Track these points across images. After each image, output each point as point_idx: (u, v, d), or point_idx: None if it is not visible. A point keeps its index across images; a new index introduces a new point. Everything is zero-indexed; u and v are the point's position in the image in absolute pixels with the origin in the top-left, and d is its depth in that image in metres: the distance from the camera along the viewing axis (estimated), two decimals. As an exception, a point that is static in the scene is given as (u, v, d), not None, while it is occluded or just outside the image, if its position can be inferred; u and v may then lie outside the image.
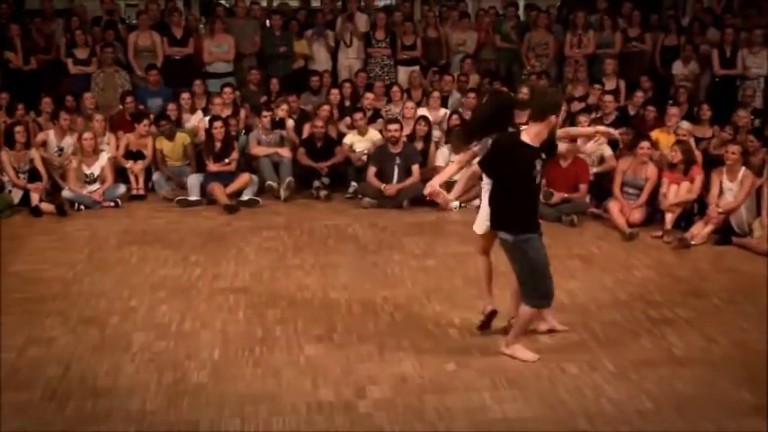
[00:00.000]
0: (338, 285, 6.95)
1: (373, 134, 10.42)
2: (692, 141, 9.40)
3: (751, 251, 7.95)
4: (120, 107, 10.98)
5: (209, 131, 10.07)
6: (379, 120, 10.82)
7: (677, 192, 8.63)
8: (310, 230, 8.64)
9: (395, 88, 11.41)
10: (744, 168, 8.46)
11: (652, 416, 4.73)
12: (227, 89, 11.00)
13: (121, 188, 9.84)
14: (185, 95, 10.90)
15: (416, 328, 6.00)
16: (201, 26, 12.99)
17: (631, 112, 10.72)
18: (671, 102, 10.69)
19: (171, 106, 10.68)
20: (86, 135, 9.66)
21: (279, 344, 5.71)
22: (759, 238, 8.03)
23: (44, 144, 10.09)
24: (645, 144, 8.98)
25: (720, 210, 8.31)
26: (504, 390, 5.05)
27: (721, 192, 8.45)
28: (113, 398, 4.93)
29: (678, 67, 11.63)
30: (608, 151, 9.58)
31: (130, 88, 11.36)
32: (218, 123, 9.94)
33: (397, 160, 9.71)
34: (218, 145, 9.92)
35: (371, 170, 9.74)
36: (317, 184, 10.09)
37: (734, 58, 11.29)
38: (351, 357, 5.50)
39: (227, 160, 9.89)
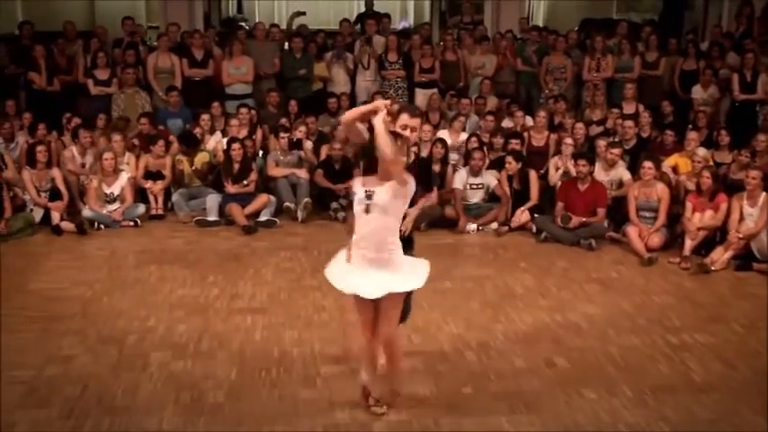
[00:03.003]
0: (355, 307, 6.93)
1: (391, 156, 10.42)
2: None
3: (771, 277, 7.90)
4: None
5: (227, 153, 10.14)
6: (398, 142, 10.83)
7: (701, 219, 8.58)
8: (328, 252, 8.48)
9: (413, 111, 11.42)
10: (765, 194, 8.42)
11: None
12: (243, 110, 11.08)
13: (141, 208, 9.90)
14: (205, 117, 10.98)
15: (433, 351, 5.98)
16: (215, 45, 13.02)
17: (643, 134, 10.70)
18: (690, 126, 10.67)
19: (197, 129, 10.75)
20: (106, 155, 9.73)
21: (296, 365, 5.71)
22: (779, 263, 7.97)
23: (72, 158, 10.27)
24: (646, 164, 8.92)
25: (741, 235, 8.26)
26: (521, 414, 5.02)
27: (742, 217, 8.40)
28: (131, 416, 4.94)
29: (697, 92, 11.62)
30: (627, 175, 9.56)
31: (150, 109, 11.45)
32: (236, 145, 10.00)
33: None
34: (236, 167, 9.98)
35: (389, 192, 9.73)
36: (334, 205, 10.10)
37: (754, 83, 11.27)
38: (367, 379, 5.48)
39: (245, 182, 9.94)
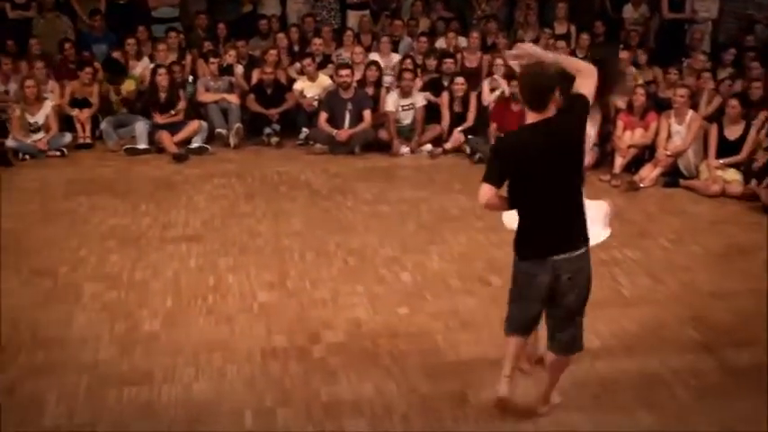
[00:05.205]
0: (291, 232, 6.94)
1: (324, 80, 10.32)
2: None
3: (698, 193, 8.10)
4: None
5: (152, 81, 9.85)
6: (330, 65, 10.71)
7: (631, 137, 8.71)
8: (262, 177, 8.58)
9: (348, 33, 11.27)
10: (692, 111, 8.57)
11: (601, 354, 4.82)
12: (172, 33, 10.80)
13: (67, 137, 9.63)
14: (131, 41, 10.65)
15: (369, 274, 6.03)
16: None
17: (580, 55, 10.72)
18: (621, 45, 10.73)
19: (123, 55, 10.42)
20: (28, 83, 9.42)
21: (232, 291, 5.70)
22: (705, 180, 8.17)
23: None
24: None
25: (668, 152, 8.43)
26: (456, 332, 5.10)
27: (669, 135, 8.55)
28: (65, 348, 4.88)
29: (629, 11, 11.66)
30: (559, 95, 9.60)
31: (73, 34, 11.07)
32: (161, 71, 9.74)
33: (349, 106, 9.65)
34: (162, 96, 9.73)
35: (323, 116, 9.67)
36: (267, 130, 9.99)
37: (683, 2, 11.34)
38: (304, 303, 5.51)
39: (173, 111, 9.71)
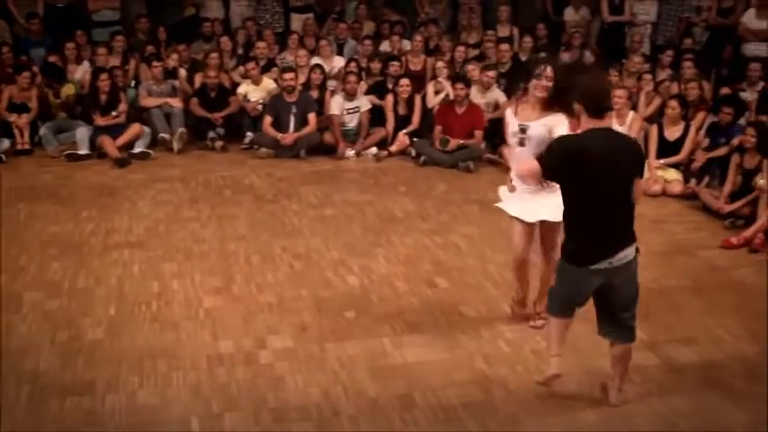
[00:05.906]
0: (236, 236, 6.88)
1: (268, 83, 10.26)
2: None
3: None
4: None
5: (93, 84, 9.68)
6: (274, 69, 10.65)
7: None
8: (206, 182, 8.50)
9: (293, 36, 11.22)
10: (632, 112, 8.71)
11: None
12: (119, 38, 10.67)
13: (5, 143, 9.41)
14: (70, 45, 10.47)
15: (315, 277, 6.01)
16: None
17: (523, 58, 10.85)
18: (563, 48, 10.87)
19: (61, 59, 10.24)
20: (-37, 88, 9.20)
21: (176, 297, 5.63)
22: (647, 180, 8.29)
23: None
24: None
25: (610, 153, 8.54)
26: (403, 335, 5.11)
27: (611, 135, 8.68)
28: (5, 359, 4.77)
29: (570, 14, 11.81)
30: (502, 98, 9.69)
31: (10, 38, 10.84)
32: (103, 75, 9.58)
33: (293, 109, 9.59)
34: (103, 98, 9.57)
35: (267, 120, 9.61)
36: (211, 134, 9.89)
37: (622, 5, 11.53)
38: (250, 308, 5.47)
39: (114, 113, 9.56)
